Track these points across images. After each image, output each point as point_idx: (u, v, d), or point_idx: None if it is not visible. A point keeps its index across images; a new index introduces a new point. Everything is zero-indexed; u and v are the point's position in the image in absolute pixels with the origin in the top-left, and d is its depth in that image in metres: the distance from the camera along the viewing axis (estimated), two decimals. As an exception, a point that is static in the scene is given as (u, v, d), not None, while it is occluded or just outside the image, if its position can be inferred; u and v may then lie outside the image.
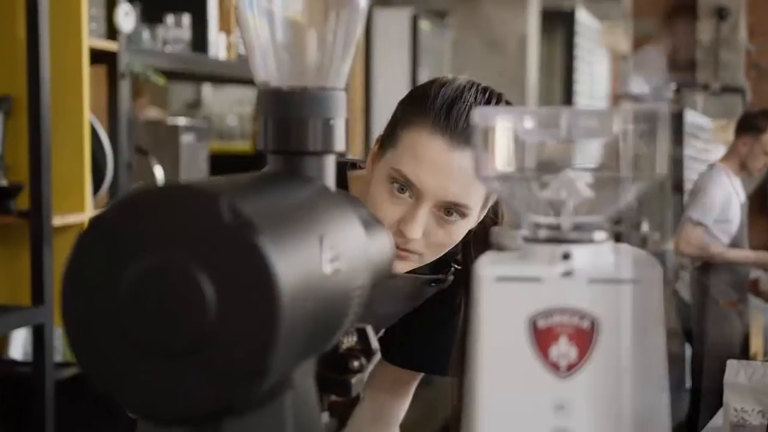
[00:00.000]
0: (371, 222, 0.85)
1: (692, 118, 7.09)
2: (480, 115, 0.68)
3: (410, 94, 1.27)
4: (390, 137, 1.24)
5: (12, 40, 2.38)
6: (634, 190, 0.69)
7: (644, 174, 0.68)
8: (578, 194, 0.69)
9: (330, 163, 0.79)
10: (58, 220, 2.37)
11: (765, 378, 1.84)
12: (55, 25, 2.38)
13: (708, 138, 7.71)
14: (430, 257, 1.26)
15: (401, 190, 1.21)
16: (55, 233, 2.35)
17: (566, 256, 0.67)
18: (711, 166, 4.41)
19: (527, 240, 0.69)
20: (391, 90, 5.34)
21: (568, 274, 0.66)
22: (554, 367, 0.66)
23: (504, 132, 0.68)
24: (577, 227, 0.68)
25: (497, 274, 0.66)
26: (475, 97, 1.22)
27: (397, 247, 1.22)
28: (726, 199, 4.16)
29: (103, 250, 0.61)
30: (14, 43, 2.37)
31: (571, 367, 0.66)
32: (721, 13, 9.20)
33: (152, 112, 4.57)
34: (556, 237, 0.68)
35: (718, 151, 7.96)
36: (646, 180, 0.68)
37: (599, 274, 0.66)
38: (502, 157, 0.69)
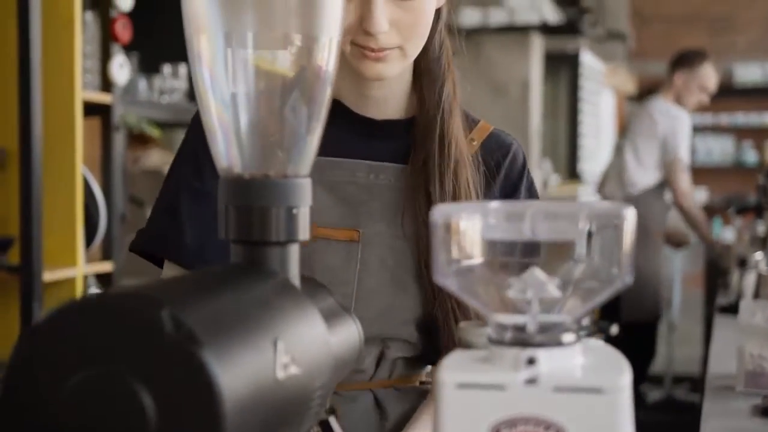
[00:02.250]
0: (336, 312, 0.82)
1: (587, 59, 7.08)
2: (440, 212, 0.65)
3: None
4: None
5: (5, 92, 2.37)
6: (603, 292, 0.66)
7: (612, 274, 0.65)
8: (545, 294, 0.66)
9: (294, 253, 0.76)
10: (48, 275, 2.34)
11: None
12: (48, 78, 2.37)
13: (601, 80, 7.74)
14: (413, 49, 1.19)
15: None
16: (46, 288, 2.33)
17: (531, 361, 0.63)
18: (652, 102, 4.53)
19: (492, 341, 0.66)
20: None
21: (532, 381, 0.63)
22: (518, 480, 0.62)
23: (466, 229, 0.65)
24: (544, 328, 0.65)
25: (458, 381, 0.63)
26: None
27: (373, 50, 1.16)
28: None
29: (40, 362, 0.58)
30: (7, 96, 2.36)
31: (537, 481, 0.62)
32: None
33: (155, 157, 4.55)
34: (522, 340, 0.65)
35: (608, 95, 7.97)
36: (614, 281, 0.65)
37: (566, 382, 0.62)
38: (464, 253, 0.66)
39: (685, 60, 4.46)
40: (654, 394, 5.28)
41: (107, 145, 2.57)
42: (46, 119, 2.34)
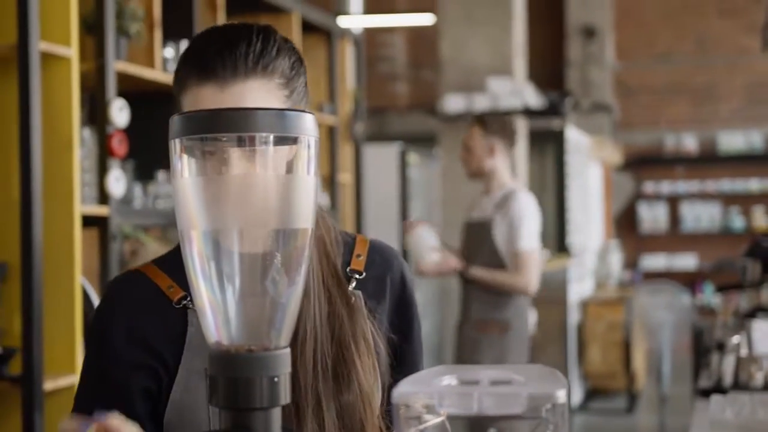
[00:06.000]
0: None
1: (573, 134, 7.23)
2: (399, 394, 0.76)
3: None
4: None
5: (7, 207, 2.49)
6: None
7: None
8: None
9: (276, 416, 0.87)
10: (49, 384, 2.43)
11: (755, 413, 1.72)
12: (48, 193, 2.49)
13: (587, 153, 7.86)
14: None
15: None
16: (46, 397, 2.42)
17: None
18: None
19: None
20: (381, 221, 5.48)
21: None
22: None
23: (424, 407, 0.76)
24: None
25: None
26: (229, 30, 1.20)
27: None
28: None
29: None
30: (8, 211, 2.48)
31: None
32: (588, 32, 9.42)
33: (152, 247, 4.65)
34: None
35: (595, 167, 8.07)
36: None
37: None
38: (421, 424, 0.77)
39: None
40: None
41: (105, 255, 2.68)
42: (46, 233, 2.46)
